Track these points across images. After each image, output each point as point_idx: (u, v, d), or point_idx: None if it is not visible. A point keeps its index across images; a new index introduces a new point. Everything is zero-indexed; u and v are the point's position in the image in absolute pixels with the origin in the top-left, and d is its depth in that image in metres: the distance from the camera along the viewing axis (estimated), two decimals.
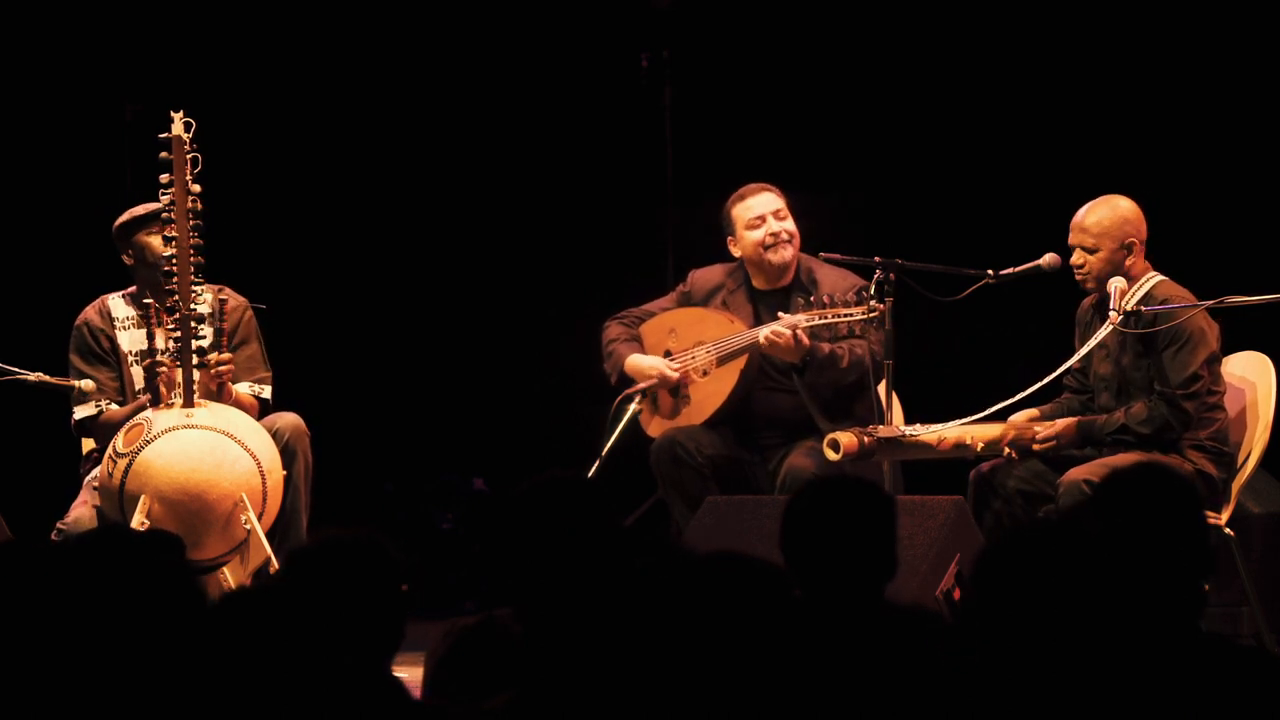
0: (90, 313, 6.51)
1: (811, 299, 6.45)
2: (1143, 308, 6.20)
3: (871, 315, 6.32)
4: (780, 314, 6.52)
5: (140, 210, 6.37)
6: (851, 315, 6.35)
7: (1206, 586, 4.92)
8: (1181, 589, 3.38)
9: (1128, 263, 6.21)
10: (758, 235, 6.63)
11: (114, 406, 6.40)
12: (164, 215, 6.15)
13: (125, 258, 6.42)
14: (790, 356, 6.48)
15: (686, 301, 6.82)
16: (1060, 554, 3.11)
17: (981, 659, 3.10)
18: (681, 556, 3.01)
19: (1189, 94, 7.80)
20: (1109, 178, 6.62)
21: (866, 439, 6.17)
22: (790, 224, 6.65)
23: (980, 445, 6.27)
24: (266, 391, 6.49)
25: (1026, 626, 3.09)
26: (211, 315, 6.27)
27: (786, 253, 6.64)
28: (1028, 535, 3.18)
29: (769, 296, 6.68)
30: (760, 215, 6.63)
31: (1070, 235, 6.26)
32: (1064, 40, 7.94)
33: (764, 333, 6.45)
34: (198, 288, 6.19)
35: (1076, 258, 6.23)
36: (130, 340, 6.47)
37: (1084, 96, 7.95)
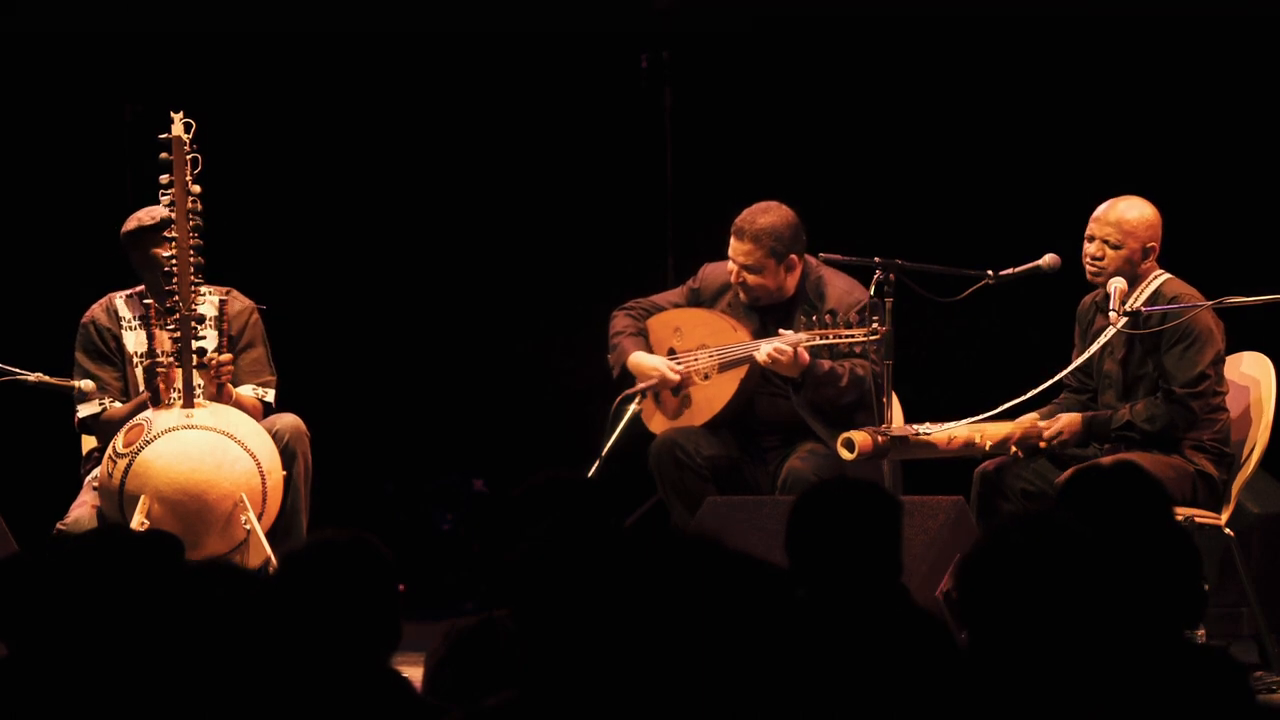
0: (97, 311, 6.51)
1: (815, 317, 6.43)
2: (1143, 308, 6.20)
3: (873, 337, 6.31)
4: (781, 330, 6.51)
5: (148, 219, 6.33)
6: (853, 336, 6.34)
7: (1206, 586, 4.90)
8: (1158, 589, 3.37)
9: (1142, 266, 6.23)
10: (730, 269, 6.65)
11: (117, 404, 6.40)
12: (195, 223, 6.13)
13: (135, 262, 6.40)
14: (790, 372, 6.48)
15: (695, 299, 6.82)
16: (1037, 554, 3.11)
17: (969, 658, 3.11)
18: (687, 545, 3.01)
19: (1190, 94, 7.80)
20: (1110, 178, 6.62)
21: (880, 438, 6.18)
22: (759, 277, 6.61)
23: (988, 444, 6.28)
24: (270, 395, 6.49)
25: (1007, 626, 3.09)
26: (214, 317, 6.27)
27: (747, 297, 6.65)
28: (1007, 536, 3.17)
29: (774, 307, 6.67)
30: (733, 260, 6.62)
31: (1093, 227, 6.23)
32: (1064, 40, 7.94)
33: (765, 349, 6.44)
34: (203, 289, 6.20)
35: (1096, 249, 6.21)
36: (136, 340, 6.47)
37: (1085, 97, 7.94)
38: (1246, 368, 6.37)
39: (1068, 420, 6.27)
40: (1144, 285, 6.27)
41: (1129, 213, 6.23)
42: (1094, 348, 6.30)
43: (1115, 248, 6.21)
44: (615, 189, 8.40)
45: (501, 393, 8.59)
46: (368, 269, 8.65)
